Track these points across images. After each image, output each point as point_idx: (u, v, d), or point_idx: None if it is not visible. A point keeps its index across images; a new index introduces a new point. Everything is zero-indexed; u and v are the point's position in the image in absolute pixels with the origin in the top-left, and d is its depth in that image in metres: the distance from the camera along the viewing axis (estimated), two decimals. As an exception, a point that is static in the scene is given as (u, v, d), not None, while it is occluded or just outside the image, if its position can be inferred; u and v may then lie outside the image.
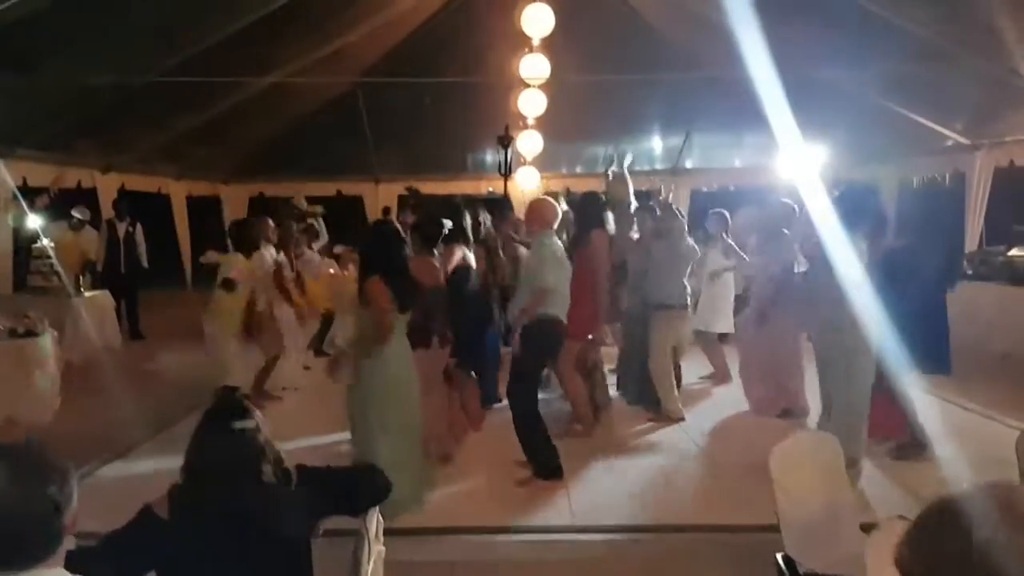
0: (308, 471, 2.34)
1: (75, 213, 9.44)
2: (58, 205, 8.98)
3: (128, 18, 6.34)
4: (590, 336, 5.97)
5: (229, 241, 7.04)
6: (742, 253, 7.17)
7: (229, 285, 6.46)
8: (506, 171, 5.81)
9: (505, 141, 5.48)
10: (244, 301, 6.55)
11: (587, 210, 6.05)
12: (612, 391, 6.87)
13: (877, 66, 7.71)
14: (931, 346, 4.97)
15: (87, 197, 9.71)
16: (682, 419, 6.27)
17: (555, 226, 5.26)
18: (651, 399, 6.40)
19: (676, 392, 6.39)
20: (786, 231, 6.36)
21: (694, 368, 7.58)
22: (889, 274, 4.79)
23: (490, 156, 11.77)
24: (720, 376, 7.59)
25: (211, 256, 6.57)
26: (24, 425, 5.33)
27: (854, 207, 4.65)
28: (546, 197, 5.64)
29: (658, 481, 5.04)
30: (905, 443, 5.29)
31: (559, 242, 5.17)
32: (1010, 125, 8.15)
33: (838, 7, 6.67)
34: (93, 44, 6.53)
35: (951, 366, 5.28)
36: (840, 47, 7.82)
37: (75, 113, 7.57)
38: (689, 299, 6.40)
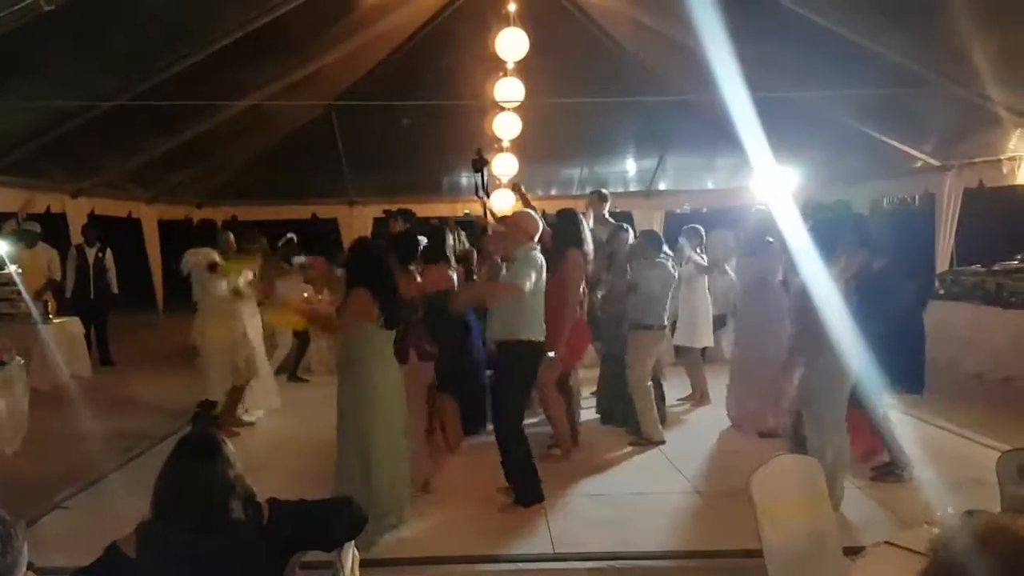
0: (280, 505, 2.28)
1: (25, 227, 8.91)
2: (26, 231, 8.81)
3: (100, 41, 6.27)
4: (575, 362, 5.95)
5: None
6: (705, 266, 7.25)
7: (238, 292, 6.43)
8: (485, 193, 5.79)
9: (478, 164, 5.44)
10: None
11: (564, 228, 5.91)
12: (590, 413, 6.85)
13: (848, 89, 7.80)
14: (907, 366, 5.04)
15: (56, 222, 9.54)
16: (662, 442, 6.24)
17: (536, 239, 5.13)
18: (634, 421, 6.37)
19: (656, 414, 6.35)
20: (770, 239, 6.40)
21: (673, 390, 7.54)
22: (867, 295, 4.83)
23: (465, 178, 11.76)
24: (699, 397, 7.59)
25: (211, 255, 6.41)
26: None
27: (829, 234, 4.69)
28: (528, 210, 5.55)
29: (639, 506, 5.01)
30: (884, 465, 5.31)
31: (541, 257, 5.11)
32: (979, 146, 8.27)
33: (809, 32, 6.75)
34: (64, 67, 6.44)
35: (924, 386, 5.34)
36: (811, 71, 7.91)
37: (44, 137, 7.45)
38: (667, 319, 6.38)
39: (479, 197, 6.06)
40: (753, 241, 6.68)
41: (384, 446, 4.36)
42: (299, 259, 8.12)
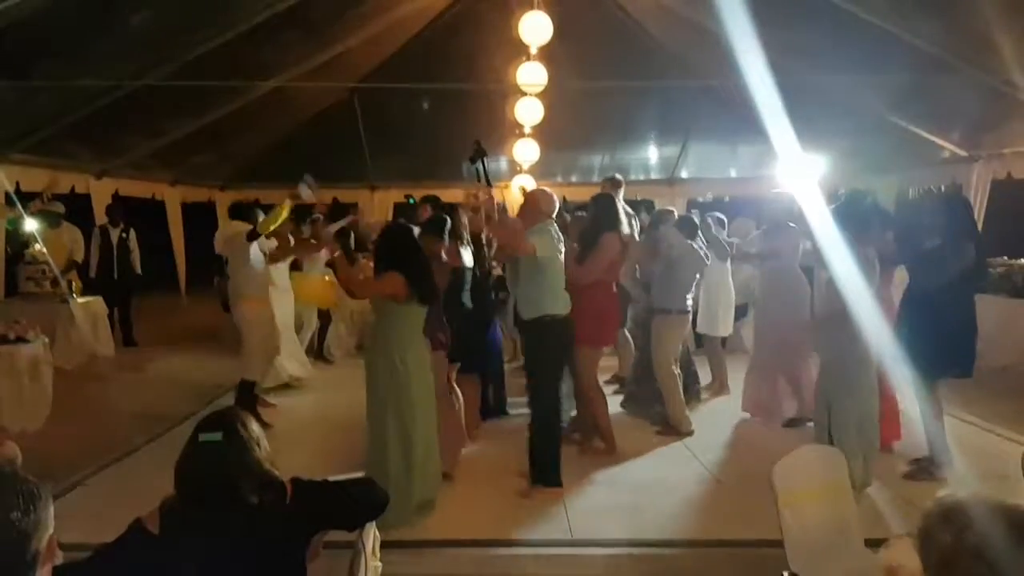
0: (303, 485, 2.29)
1: (49, 207, 8.91)
2: (50, 211, 8.89)
3: (124, 23, 6.30)
4: (605, 344, 5.91)
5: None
6: (727, 248, 7.20)
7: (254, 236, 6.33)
8: (487, 182, 5.77)
9: (476, 155, 5.41)
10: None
11: (599, 213, 5.82)
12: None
13: (874, 77, 7.70)
14: (958, 349, 4.90)
15: (81, 202, 9.62)
16: (690, 433, 6.17)
17: (552, 216, 5.12)
18: (655, 406, 6.32)
19: (683, 402, 6.28)
20: (791, 223, 6.34)
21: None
22: (921, 278, 4.77)
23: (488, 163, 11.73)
24: (719, 386, 7.55)
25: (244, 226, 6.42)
26: (14, 432, 5.27)
27: (856, 215, 4.62)
28: (544, 188, 5.51)
29: (659, 495, 4.98)
30: (919, 460, 5.23)
31: (558, 232, 5.10)
32: (1008, 137, 8.13)
33: (835, 18, 6.66)
34: (88, 49, 6.48)
35: (973, 368, 5.08)
36: (837, 58, 7.80)
37: (69, 118, 7.51)
38: (690, 304, 6.31)
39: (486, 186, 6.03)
40: (773, 224, 6.63)
41: (422, 426, 4.40)
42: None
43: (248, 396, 6.27)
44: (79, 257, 9.32)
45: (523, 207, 5.22)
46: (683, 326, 6.34)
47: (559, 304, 4.95)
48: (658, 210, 6.91)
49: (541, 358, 5.00)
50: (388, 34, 9.55)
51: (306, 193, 6.32)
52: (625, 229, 5.84)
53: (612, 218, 5.70)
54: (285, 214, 6.37)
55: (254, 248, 6.33)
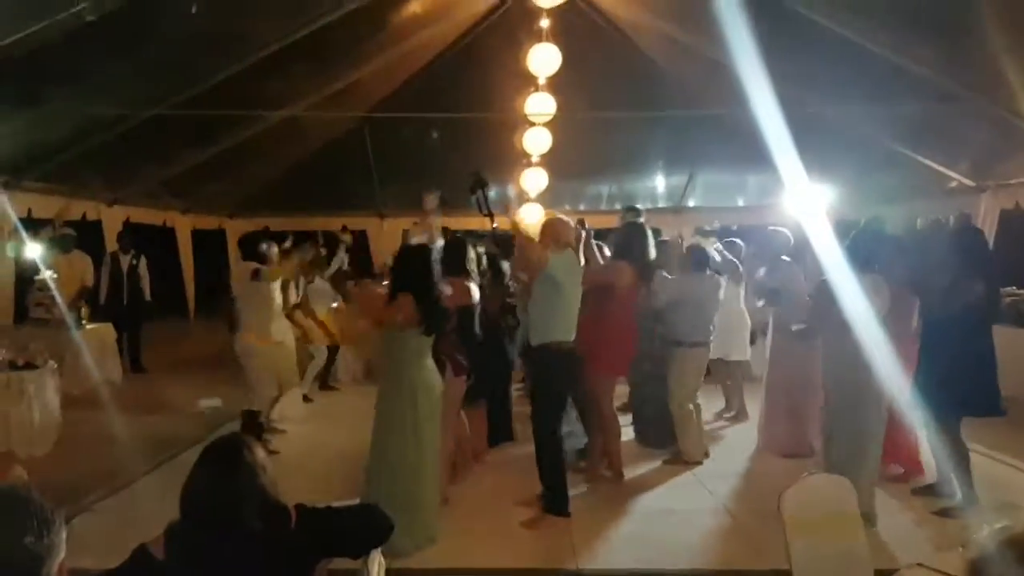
0: (308, 511, 2.28)
1: (62, 232, 9.06)
2: (62, 236, 8.97)
3: (136, 52, 6.39)
4: (619, 373, 5.90)
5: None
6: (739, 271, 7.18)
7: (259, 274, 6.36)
8: (488, 213, 5.81)
9: (475, 186, 5.44)
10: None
11: (628, 241, 5.84)
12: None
13: (881, 107, 7.73)
14: (981, 386, 4.80)
15: (92, 229, 9.71)
16: (699, 463, 6.12)
17: (571, 244, 5.15)
18: (668, 440, 6.26)
19: (697, 433, 6.23)
20: (786, 257, 6.34)
21: (709, 405, 7.36)
22: (935, 315, 4.73)
23: (494, 192, 11.77)
24: (738, 413, 7.51)
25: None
26: (22, 458, 5.28)
27: (867, 247, 4.62)
28: (561, 216, 5.52)
29: (666, 524, 4.95)
30: (928, 487, 5.18)
31: (576, 261, 5.11)
32: (1016, 167, 8.14)
33: (842, 49, 6.70)
34: (101, 77, 6.56)
35: (1001, 407, 4.95)
36: (844, 89, 7.86)
37: (82, 146, 7.59)
38: (712, 334, 6.28)
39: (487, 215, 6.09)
40: (770, 261, 6.63)
41: (423, 452, 4.38)
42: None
43: (253, 425, 6.27)
44: (89, 283, 9.37)
45: (543, 236, 5.21)
46: (706, 358, 6.28)
47: (568, 332, 4.95)
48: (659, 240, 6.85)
49: (545, 386, 5.00)
50: (399, 65, 9.67)
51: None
52: (652, 254, 5.83)
53: (632, 248, 5.71)
54: (293, 265, 6.47)
55: (266, 286, 6.39)
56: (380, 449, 4.43)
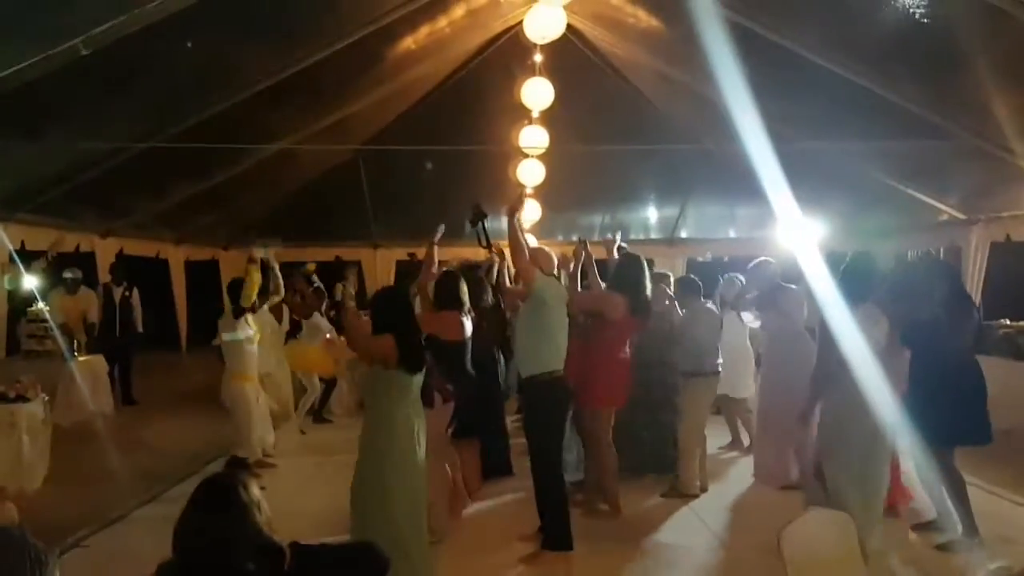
0: (302, 551, 2.25)
1: (67, 275, 9.39)
2: (55, 269, 8.96)
3: (131, 86, 6.42)
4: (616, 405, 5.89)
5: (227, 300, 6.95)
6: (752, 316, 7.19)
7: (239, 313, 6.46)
8: (487, 245, 5.86)
9: (476, 218, 5.51)
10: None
11: (625, 272, 5.82)
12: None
13: (872, 143, 7.81)
14: (971, 416, 4.83)
15: (85, 261, 9.70)
16: (696, 495, 6.09)
17: (553, 273, 5.21)
18: (658, 467, 6.22)
19: (697, 468, 6.22)
20: (784, 284, 6.38)
21: (713, 438, 7.34)
22: (921, 345, 4.74)
23: (488, 223, 11.82)
24: (745, 446, 7.51)
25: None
26: (11, 492, 5.21)
27: (860, 278, 4.63)
28: (542, 247, 5.57)
29: (664, 559, 4.92)
30: (927, 523, 5.16)
31: (562, 287, 5.12)
32: (1006, 200, 8.21)
33: (831, 85, 6.79)
34: (95, 111, 6.59)
35: (991, 435, 4.98)
36: (834, 123, 7.93)
37: (75, 178, 7.59)
38: (720, 365, 6.27)
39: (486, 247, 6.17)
40: (766, 292, 6.65)
41: (405, 490, 4.32)
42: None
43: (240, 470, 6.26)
44: (94, 319, 9.41)
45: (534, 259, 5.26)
46: (715, 388, 6.30)
47: (557, 360, 4.94)
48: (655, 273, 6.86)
49: (541, 420, 4.97)
50: (394, 98, 9.74)
51: (261, 252, 6.48)
52: (646, 293, 5.81)
53: (635, 280, 5.71)
54: (256, 279, 6.48)
55: (241, 325, 6.43)
56: (361, 484, 4.38)
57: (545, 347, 4.90)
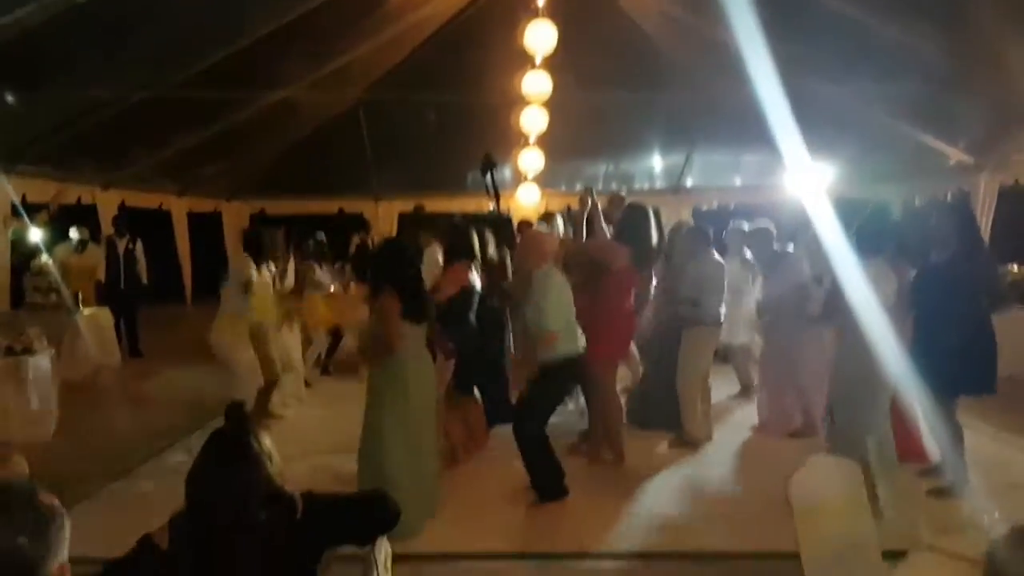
0: (314, 500, 2.26)
1: (74, 234, 9.44)
2: (58, 221, 8.93)
3: (130, 34, 6.31)
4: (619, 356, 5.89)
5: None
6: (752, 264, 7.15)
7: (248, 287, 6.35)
8: (495, 196, 5.79)
9: (486, 167, 5.44)
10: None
11: (629, 223, 5.80)
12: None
13: (881, 85, 7.69)
14: (980, 365, 4.78)
15: (87, 213, 9.66)
16: (701, 445, 6.09)
17: (553, 257, 5.16)
18: (675, 423, 6.23)
19: (700, 413, 6.20)
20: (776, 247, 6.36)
21: (720, 387, 7.35)
22: (932, 292, 4.69)
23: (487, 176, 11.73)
24: (749, 393, 7.53)
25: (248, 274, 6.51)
26: (20, 445, 5.24)
27: (876, 231, 4.57)
28: (539, 231, 5.52)
29: (670, 505, 4.94)
30: (930, 471, 5.18)
31: (561, 276, 5.09)
32: (1015, 145, 8.12)
33: (842, 29, 6.65)
34: (95, 60, 6.50)
35: (995, 385, 4.92)
36: (844, 67, 7.80)
37: (76, 129, 7.52)
38: (723, 315, 6.23)
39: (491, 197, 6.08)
40: (767, 261, 6.61)
41: (413, 441, 4.36)
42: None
43: (239, 418, 6.27)
44: (101, 276, 9.44)
45: (523, 249, 5.27)
46: (716, 338, 6.28)
47: (573, 342, 4.93)
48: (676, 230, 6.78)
49: (547, 391, 4.98)
50: (395, 44, 9.57)
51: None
52: (650, 243, 5.79)
53: (634, 232, 5.68)
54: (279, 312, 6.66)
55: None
56: (370, 436, 4.41)
57: (559, 333, 4.86)
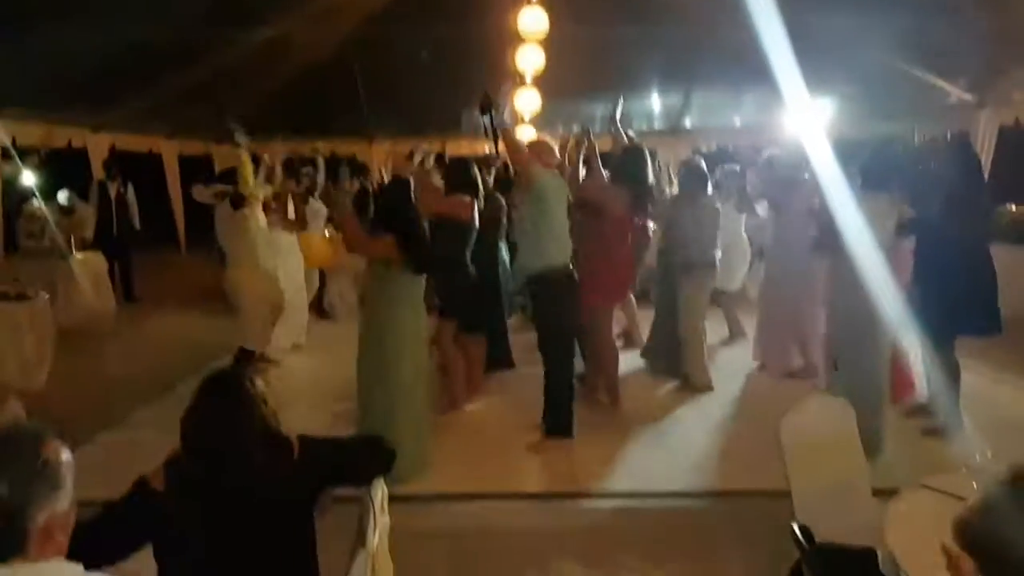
0: (310, 442, 2.26)
1: (62, 198, 9.22)
2: (49, 165, 8.82)
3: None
4: (618, 300, 5.88)
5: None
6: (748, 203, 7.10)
7: (239, 202, 6.30)
8: (493, 136, 5.68)
9: (485, 107, 5.33)
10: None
11: (627, 165, 5.73)
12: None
13: (880, 20, 7.52)
14: (979, 304, 4.76)
15: (77, 157, 9.53)
16: (710, 389, 6.11)
17: (554, 165, 5.13)
18: (680, 369, 6.24)
19: (705, 359, 6.22)
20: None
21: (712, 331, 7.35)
22: (931, 232, 4.66)
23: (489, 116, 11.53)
24: (735, 336, 7.54)
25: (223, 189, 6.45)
26: (14, 391, 5.25)
27: (883, 166, 4.52)
28: (544, 139, 5.45)
29: (666, 446, 5.00)
30: (920, 406, 5.21)
31: (561, 180, 5.04)
32: (1016, 83, 7.99)
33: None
34: (82, 1, 6.35)
35: (1001, 325, 4.91)
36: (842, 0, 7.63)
37: (64, 71, 7.37)
38: (717, 257, 6.22)
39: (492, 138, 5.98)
40: (778, 192, 6.53)
41: (409, 386, 4.36)
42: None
43: (248, 362, 6.29)
44: (90, 234, 9.31)
45: (529, 151, 5.13)
46: (713, 278, 6.27)
47: (563, 253, 4.92)
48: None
49: (550, 311, 4.97)
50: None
51: (243, 140, 6.37)
52: (647, 184, 5.74)
53: (631, 172, 5.62)
54: (249, 166, 6.32)
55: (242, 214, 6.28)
56: (366, 382, 4.42)
57: (548, 242, 4.86)
